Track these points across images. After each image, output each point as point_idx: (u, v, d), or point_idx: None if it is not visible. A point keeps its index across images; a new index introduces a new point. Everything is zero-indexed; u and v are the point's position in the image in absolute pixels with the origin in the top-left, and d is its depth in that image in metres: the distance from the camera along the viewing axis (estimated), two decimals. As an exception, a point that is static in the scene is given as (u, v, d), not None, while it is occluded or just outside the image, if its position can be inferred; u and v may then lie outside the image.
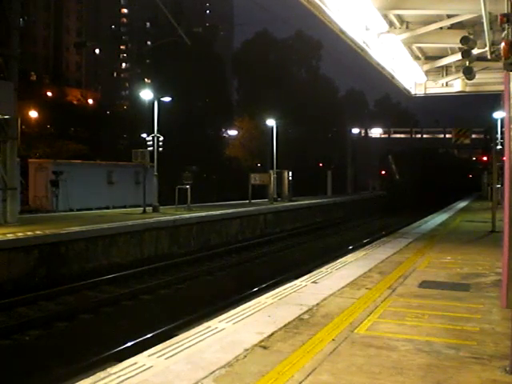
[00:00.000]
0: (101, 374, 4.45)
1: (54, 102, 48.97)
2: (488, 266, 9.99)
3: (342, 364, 4.74)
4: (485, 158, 44.16)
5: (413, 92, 16.26)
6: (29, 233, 14.22)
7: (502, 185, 14.49)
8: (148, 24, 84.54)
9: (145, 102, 27.46)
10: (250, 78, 59.88)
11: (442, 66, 14.86)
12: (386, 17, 10.60)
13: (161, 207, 23.51)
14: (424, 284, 8.30)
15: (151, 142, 23.95)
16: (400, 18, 11.31)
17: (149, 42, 66.48)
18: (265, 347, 5.17)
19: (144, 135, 29.25)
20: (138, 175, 29.89)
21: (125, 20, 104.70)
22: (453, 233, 16.85)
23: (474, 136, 42.68)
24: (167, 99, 26.85)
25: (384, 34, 11.06)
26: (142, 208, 22.72)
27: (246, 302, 7.44)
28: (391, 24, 11.21)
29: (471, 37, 10.37)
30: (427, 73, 14.96)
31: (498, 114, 23.30)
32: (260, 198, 33.27)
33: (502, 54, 5.79)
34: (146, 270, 15.45)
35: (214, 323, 6.05)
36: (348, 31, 10.62)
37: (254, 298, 7.81)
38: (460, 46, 10.78)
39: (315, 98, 57.91)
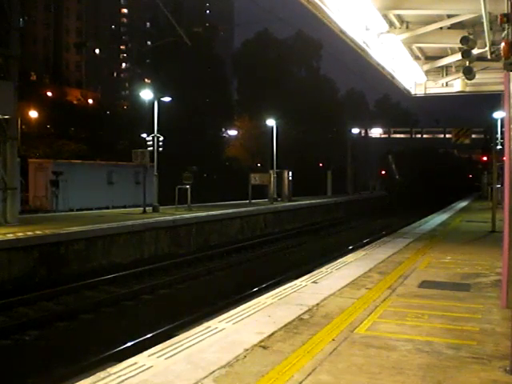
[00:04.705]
0: (101, 374, 4.45)
1: (54, 102, 48.95)
2: (488, 266, 9.99)
3: (342, 364, 4.73)
4: (485, 158, 44.20)
5: (413, 92, 16.26)
6: (29, 233, 14.22)
7: (502, 185, 14.49)
8: (148, 24, 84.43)
9: (145, 102, 27.46)
10: (250, 78, 59.87)
11: (442, 66, 14.86)
12: (385, 17, 10.60)
13: (161, 207, 23.51)
14: (424, 284, 8.30)
15: (151, 142, 23.96)
16: (400, 17, 11.31)
17: (149, 42, 66.40)
18: (265, 347, 5.17)
19: (144, 135, 29.24)
20: (138, 175, 29.86)
21: (125, 20, 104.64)
22: (453, 233, 16.86)
23: (474, 136, 42.64)
24: (167, 99, 26.85)
25: (384, 33, 11.06)
26: (141, 208, 22.71)
27: (246, 302, 7.43)
28: (391, 24, 11.21)
29: (471, 37, 10.37)
30: (427, 73, 14.96)
31: (498, 114, 23.31)
32: (260, 197, 33.26)
33: (502, 54, 5.80)
34: (146, 270, 15.44)
35: (214, 323, 6.05)
36: (348, 31, 10.62)
37: (254, 298, 7.81)
38: (460, 46, 10.78)
39: (315, 98, 57.90)
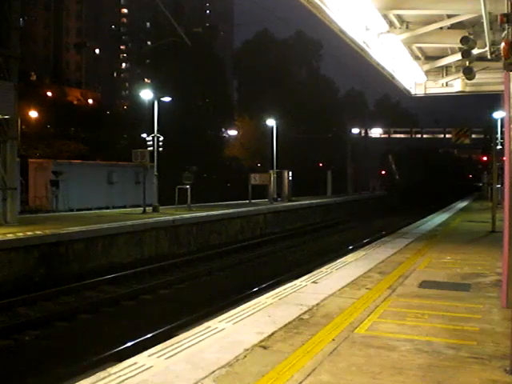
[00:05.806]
0: (101, 374, 4.45)
1: (54, 102, 48.86)
2: (488, 266, 9.98)
3: (342, 364, 4.73)
4: (485, 158, 44.23)
5: (413, 92, 16.27)
6: (29, 233, 14.21)
7: (502, 185, 14.49)
8: (148, 24, 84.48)
9: (145, 102, 27.47)
10: (250, 78, 59.89)
11: (442, 66, 14.87)
12: (386, 17, 10.61)
13: (161, 207, 23.51)
14: (424, 284, 8.29)
15: (151, 142, 23.97)
16: (400, 17, 11.32)
17: (149, 42, 66.34)
18: (265, 347, 5.17)
19: (144, 135, 29.26)
20: (138, 175, 29.84)
21: (125, 20, 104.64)
22: (453, 233, 16.85)
23: (474, 136, 42.63)
24: (167, 99, 26.87)
25: (384, 33, 11.07)
26: (141, 208, 22.72)
27: (245, 302, 7.43)
28: (391, 24, 11.21)
29: (471, 37, 10.38)
30: (427, 73, 14.96)
31: (498, 114, 23.34)
32: (260, 197, 33.26)
33: (502, 54, 5.80)
34: (146, 270, 15.45)
35: (214, 323, 6.05)
36: (348, 31, 10.63)
37: (253, 298, 7.81)
38: (460, 46, 10.80)
39: (315, 98, 57.89)
